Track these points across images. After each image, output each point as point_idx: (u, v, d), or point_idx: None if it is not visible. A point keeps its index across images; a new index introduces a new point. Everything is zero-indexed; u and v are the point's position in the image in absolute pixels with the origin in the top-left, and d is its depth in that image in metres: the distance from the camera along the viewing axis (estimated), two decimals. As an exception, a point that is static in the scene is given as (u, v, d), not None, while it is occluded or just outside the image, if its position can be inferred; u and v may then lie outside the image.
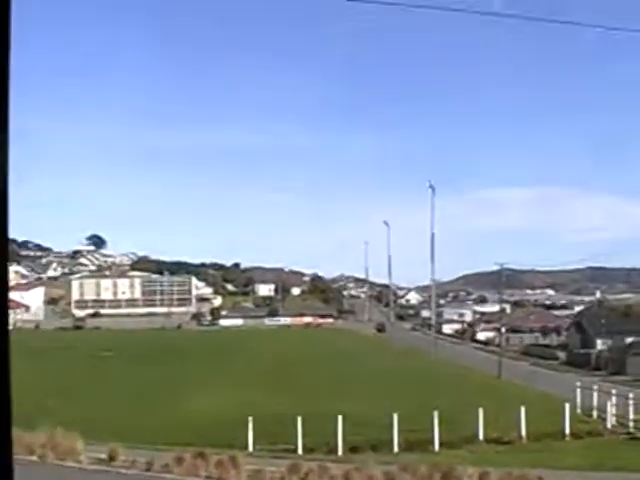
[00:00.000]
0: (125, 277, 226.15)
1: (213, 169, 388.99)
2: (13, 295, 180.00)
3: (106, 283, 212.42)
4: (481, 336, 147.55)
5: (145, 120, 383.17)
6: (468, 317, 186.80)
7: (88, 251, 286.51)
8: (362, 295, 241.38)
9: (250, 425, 29.56)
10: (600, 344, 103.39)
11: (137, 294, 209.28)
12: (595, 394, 40.44)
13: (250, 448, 28.69)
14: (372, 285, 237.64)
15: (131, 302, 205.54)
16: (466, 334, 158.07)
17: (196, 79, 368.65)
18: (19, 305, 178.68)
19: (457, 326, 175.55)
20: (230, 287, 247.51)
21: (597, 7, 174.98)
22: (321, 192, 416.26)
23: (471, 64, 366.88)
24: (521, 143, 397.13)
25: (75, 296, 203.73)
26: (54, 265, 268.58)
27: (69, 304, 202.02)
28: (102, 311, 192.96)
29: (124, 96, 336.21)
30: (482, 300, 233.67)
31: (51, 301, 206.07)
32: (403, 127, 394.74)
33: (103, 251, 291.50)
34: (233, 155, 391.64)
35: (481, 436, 31.60)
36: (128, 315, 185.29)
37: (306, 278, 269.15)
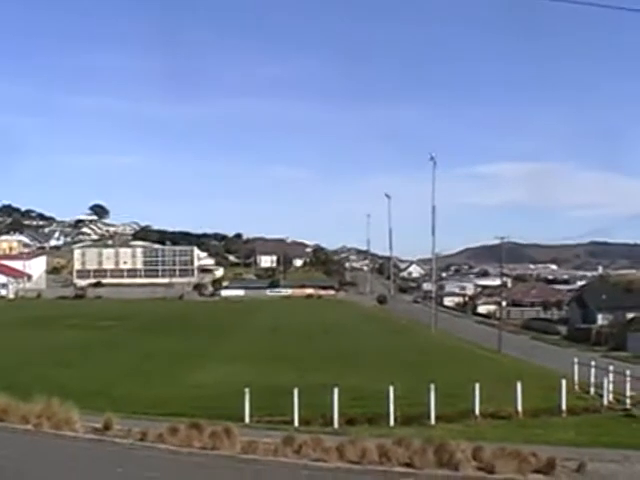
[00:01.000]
0: (127, 247, 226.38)
1: (216, 140, 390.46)
2: (16, 264, 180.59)
3: (108, 253, 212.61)
4: (482, 309, 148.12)
5: (149, 92, 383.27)
6: (469, 290, 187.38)
7: (90, 220, 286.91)
8: (364, 267, 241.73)
9: (247, 396, 29.56)
10: (601, 319, 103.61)
11: (139, 264, 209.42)
12: (592, 370, 40.46)
13: (246, 419, 28.71)
14: (374, 257, 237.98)
15: (133, 272, 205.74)
16: (467, 307, 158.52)
17: (198, 54, 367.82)
18: (22, 274, 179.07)
19: (458, 299, 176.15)
20: (232, 258, 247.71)
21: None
22: (324, 164, 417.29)
23: (469, 39, 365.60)
24: (521, 117, 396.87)
25: (77, 265, 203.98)
26: (57, 234, 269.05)
27: (71, 273, 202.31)
28: (104, 281, 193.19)
29: (128, 69, 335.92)
30: (484, 274, 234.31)
31: (53, 270, 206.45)
32: (405, 101, 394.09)
33: (105, 220, 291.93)
34: (236, 127, 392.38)
35: (477, 411, 31.61)
36: (130, 285, 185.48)
37: (308, 249, 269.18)
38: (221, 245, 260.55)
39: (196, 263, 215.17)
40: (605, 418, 33.13)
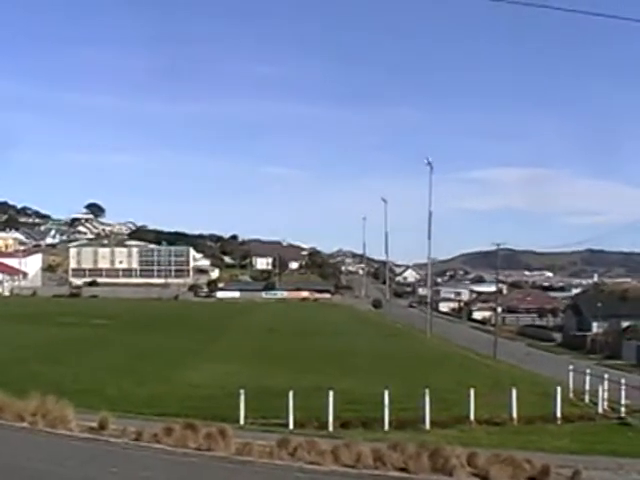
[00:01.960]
0: (123, 246, 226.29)
1: (213, 141, 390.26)
2: (11, 261, 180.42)
3: (103, 252, 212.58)
4: (477, 315, 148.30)
5: (145, 92, 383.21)
6: (465, 296, 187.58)
7: (86, 219, 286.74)
8: (359, 271, 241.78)
9: (242, 398, 29.54)
10: (596, 327, 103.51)
11: (134, 264, 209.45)
12: (587, 378, 40.48)
13: (241, 421, 28.69)
14: (369, 261, 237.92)
15: (128, 272, 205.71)
16: (463, 313, 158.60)
17: (196, 53, 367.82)
18: (17, 271, 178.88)
19: (454, 305, 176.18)
20: (228, 259, 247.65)
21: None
22: (321, 167, 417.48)
23: (471, 46, 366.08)
24: (518, 124, 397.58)
25: (72, 264, 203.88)
26: (52, 232, 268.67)
27: (66, 272, 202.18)
28: (99, 280, 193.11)
29: (124, 67, 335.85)
30: (479, 280, 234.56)
31: (49, 268, 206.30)
32: (402, 105, 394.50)
33: (101, 219, 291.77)
34: (233, 127, 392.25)
35: (472, 416, 31.60)
36: (125, 285, 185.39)
37: (304, 252, 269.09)
38: (217, 246, 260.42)
39: (192, 264, 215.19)
40: (600, 426, 33.15)
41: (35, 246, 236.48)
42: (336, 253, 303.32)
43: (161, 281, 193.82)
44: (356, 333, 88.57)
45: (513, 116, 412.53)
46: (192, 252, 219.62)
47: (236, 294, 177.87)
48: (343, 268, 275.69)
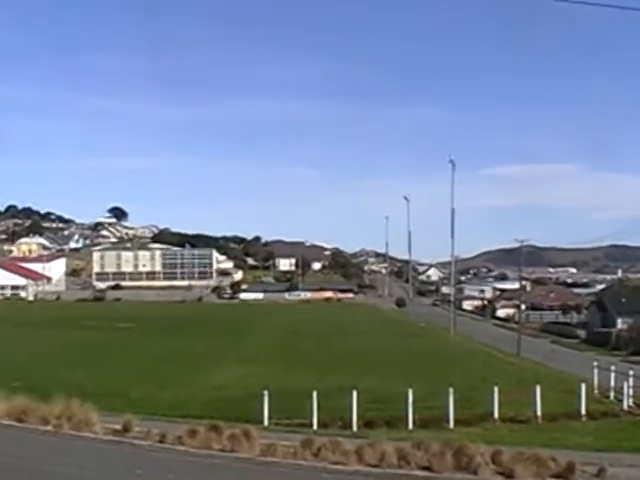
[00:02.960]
0: (146, 249, 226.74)
1: (235, 143, 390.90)
2: (35, 266, 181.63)
3: (127, 255, 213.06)
4: (501, 313, 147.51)
5: (165, 96, 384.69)
6: (488, 294, 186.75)
7: (109, 223, 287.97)
8: (382, 270, 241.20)
9: (265, 399, 29.59)
10: (620, 323, 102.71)
11: (157, 267, 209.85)
12: (612, 374, 40.21)
13: (265, 422, 28.74)
14: (392, 261, 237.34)
15: (151, 275, 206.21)
16: (486, 311, 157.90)
17: (214, 55, 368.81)
18: (41, 276, 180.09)
19: (477, 302, 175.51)
20: (251, 261, 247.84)
21: None
22: (343, 166, 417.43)
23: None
24: (539, 119, 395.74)
25: (96, 268, 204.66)
26: (76, 237, 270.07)
27: (90, 276, 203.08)
28: (122, 283, 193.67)
29: (147, 72, 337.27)
30: (503, 277, 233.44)
31: (72, 273, 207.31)
32: (423, 105, 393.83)
33: (124, 223, 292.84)
34: (256, 129, 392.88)
35: (496, 414, 31.50)
36: (149, 288, 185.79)
37: (327, 252, 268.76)
38: (240, 248, 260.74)
39: (215, 266, 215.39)
40: (625, 423, 32.95)
41: (59, 251, 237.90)
42: (359, 253, 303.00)
43: (184, 283, 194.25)
44: (379, 332, 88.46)
45: (535, 111, 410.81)
46: (215, 254, 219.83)
47: (259, 295, 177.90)
48: (366, 267, 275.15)
